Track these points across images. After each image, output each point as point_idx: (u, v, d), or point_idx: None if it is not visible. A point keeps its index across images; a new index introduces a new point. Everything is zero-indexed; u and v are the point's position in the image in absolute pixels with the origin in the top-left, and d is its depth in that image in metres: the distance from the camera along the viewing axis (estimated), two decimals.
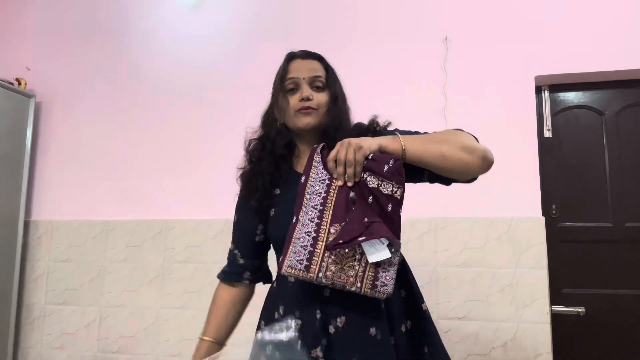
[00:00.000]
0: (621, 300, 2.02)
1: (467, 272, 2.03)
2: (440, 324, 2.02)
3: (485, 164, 1.03)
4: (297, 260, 0.97)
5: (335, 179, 1.00)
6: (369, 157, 0.99)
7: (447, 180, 1.08)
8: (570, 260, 2.08)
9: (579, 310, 1.99)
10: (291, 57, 1.18)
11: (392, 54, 2.27)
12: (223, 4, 2.56)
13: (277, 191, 1.17)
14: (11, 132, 2.51)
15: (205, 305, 2.25)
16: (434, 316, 2.02)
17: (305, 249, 0.98)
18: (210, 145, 2.41)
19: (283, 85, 1.14)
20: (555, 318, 1.99)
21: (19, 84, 2.63)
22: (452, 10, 2.24)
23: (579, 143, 2.15)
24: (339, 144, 0.99)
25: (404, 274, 1.16)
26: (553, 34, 2.11)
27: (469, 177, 1.06)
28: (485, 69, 2.15)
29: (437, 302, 2.04)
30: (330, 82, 1.16)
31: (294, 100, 1.13)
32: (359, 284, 0.96)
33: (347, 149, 0.97)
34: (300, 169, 1.16)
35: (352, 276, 0.96)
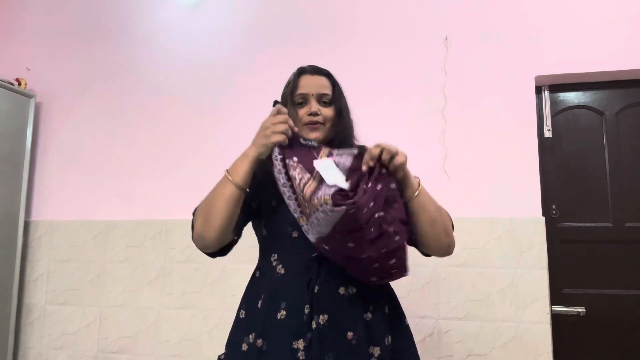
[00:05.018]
0: (621, 300, 2.02)
1: (467, 272, 2.03)
2: (440, 324, 2.02)
3: (448, 251, 1.15)
4: (293, 210, 1.06)
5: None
6: (386, 169, 1.03)
7: (413, 244, 1.16)
8: (570, 260, 2.08)
9: (579, 310, 1.99)
10: (301, 72, 1.25)
11: (392, 54, 2.27)
12: (223, 4, 2.56)
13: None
14: (11, 132, 2.51)
15: (205, 306, 2.27)
16: (434, 316, 2.04)
17: (291, 200, 1.07)
18: (211, 145, 2.41)
19: (293, 98, 1.22)
20: (556, 318, 1.99)
21: (19, 84, 2.63)
22: (452, 10, 2.24)
23: (579, 143, 2.15)
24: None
25: (388, 290, 1.22)
26: (553, 34, 2.11)
27: (430, 251, 1.16)
28: (485, 69, 2.15)
29: (437, 302, 2.04)
30: (336, 97, 1.24)
31: (302, 113, 1.21)
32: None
33: (395, 150, 1.03)
34: None
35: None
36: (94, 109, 2.64)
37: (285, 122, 1.08)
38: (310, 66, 1.26)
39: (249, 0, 2.53)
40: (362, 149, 1.07)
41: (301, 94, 1.21)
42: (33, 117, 2.63)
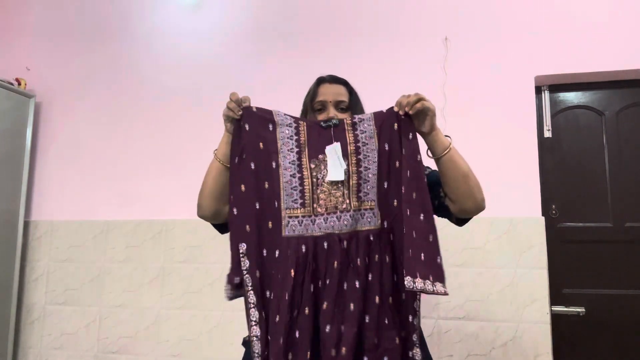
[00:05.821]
0: (621, 300, 2.02)
1: (467, 272, 2.03)
2: (440, 324, 2.02)
3: (481, 206, 1.19)
4: (292, 201, 1.13)
5: (301, 121, 1.20)
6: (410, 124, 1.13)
7: (445, 213, 1.22)
8: (570, 260, 2.08)
9: (579, 310, 1.99)
10: (320, 81, 1.34)
11: (392, 54, 2.27)
12: (223, 4, 2.56)
13: None
14: (11, 132, 2.51)
15: (205, 306, 2.27)
16: (434, 316, 2.04)
17: (295, 190, 1.13)
18: (211, 145, 2.39)
19: (312, 105, 1.31)
20: (555, 318, 1.99)
21: (19, 84, 2.63)
22: (452, 10, 2.24)
23: (579, 143, 2.15)
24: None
25: None
26: (553, 34, 2.11)
27: (463, 210, 1.19)
28: (485, 69, 2.15)
29: (437, 302, 2.04)
30: (352, 104, 1.32)
31: (320, 119, 1.28)
32: (347, 200, 1.12)
33: (425, 99, 1.12)
34: None
35: (339, 196, 1.12)
36: (94, 109, 2.64)
37: (232, 98, 1.18)
38: (329, 75, 1.35)
39: (249, 0, 2.54)
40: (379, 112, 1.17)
41: (320, 101, 1.29)
42: (33, 117, 2.63)
